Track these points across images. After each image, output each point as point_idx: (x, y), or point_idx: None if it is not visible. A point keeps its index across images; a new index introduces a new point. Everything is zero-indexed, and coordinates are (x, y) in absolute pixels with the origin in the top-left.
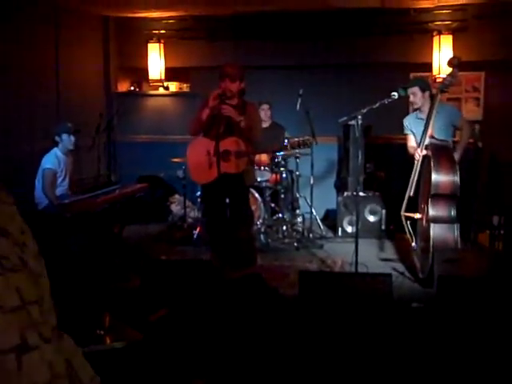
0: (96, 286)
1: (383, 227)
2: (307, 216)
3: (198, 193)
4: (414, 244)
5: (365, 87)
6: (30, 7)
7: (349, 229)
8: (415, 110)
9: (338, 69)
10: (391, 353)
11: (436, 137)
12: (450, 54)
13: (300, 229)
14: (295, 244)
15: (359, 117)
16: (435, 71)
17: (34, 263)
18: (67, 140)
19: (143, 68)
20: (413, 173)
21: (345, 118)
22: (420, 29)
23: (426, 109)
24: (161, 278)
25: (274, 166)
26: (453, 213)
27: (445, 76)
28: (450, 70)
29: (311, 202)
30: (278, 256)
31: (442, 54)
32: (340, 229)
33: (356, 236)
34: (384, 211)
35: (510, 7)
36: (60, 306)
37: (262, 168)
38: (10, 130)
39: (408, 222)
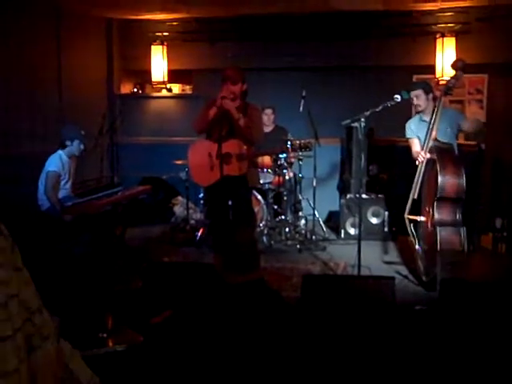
0: (98, 288)
1: (386, 229)
2: (310, 218)
3: (201, 195)
4: (417, 247)
5: (367, 89)
6: (33, 9)
7: (351, 231)
8: (418, 112)
9: (341, 71)
10: (394, 356)
11: (440, 139)
12: (453, 57)
13: (303, 231)
14: (298, 246)
15: (362, 119)
16: (438, 73)
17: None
18: (77, 147)
19: (146, 70)
20: (416, 175)
21: (348, 121)
22: (423, 31)
23: (429, 111)
24: (163, 281)
25: (276, 168)
26: (458, 216)
27: (449, 78)
28: (453, 72)
29: (314, 203)
30: (280, 258)
31: (445, 56)
32: (343, 231)
33: (359, 238)
34: (387, 213)
35: None
36: (63, 308)
37: (265, 170)
38: (11, 132)
39: (411, 225)
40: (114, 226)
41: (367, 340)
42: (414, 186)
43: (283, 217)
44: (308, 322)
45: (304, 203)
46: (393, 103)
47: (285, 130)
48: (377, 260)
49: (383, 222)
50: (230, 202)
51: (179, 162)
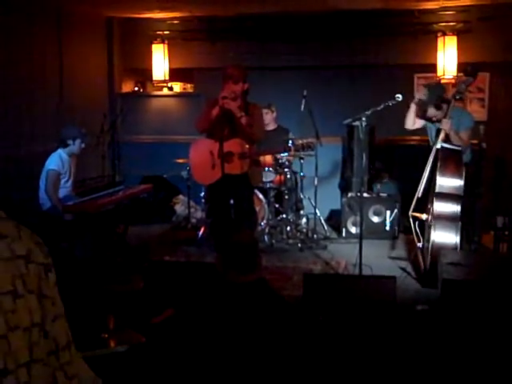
0: (100, 288)
1: (387, 228)
2: (311, 217)
3: (202, 193)
4: (419, 244)
5: (369, 88)
6: (33, 8)
7: (353, 229)
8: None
9: (341, 69)
10: (395, 355)
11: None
12: (455, 55)
13: (304, 229)
14: (299, 245)
15: (363, 118)
16: (439, 72)
17: None
18: (78, 145)
19: (147, 68)
20: (423, 174)
21: (349, 120)
22: (424, 30)
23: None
24: (164, 280)
25: (278, 166)
26: (455, 212)
27: (459, 83)
28: (455, 72)
29: (315, 202)
30: (281, 257)
31: (446, 55)
32: (344, 229)
33: (360, 237)
34: (388, 212)
35: None
36: (64, 308)
37: (267, 169)
38: (12, 131)
39: (416, 223)
40: (115, 224)
41: (368, 339)
42: (420, 184)
43: (284, 215)
44: (309, 321)
45: (305, 202)
46: (394, 102)
47: (287, 130)
48: (378, 259)
49: (384, 220)
50: (231, 201)
51: (180, 161)
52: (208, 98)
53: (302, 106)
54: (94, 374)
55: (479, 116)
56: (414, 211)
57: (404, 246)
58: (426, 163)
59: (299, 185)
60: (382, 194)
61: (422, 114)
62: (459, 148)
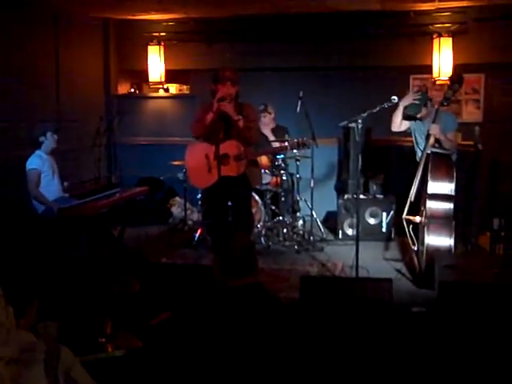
0: (96, 291)
1: (384, 230)
2: (308, 218)
3: (199, 195)
4: (414, 247)
5: (365, 89)
6: (30, 9)
7: (349, 231)
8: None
9: (338, 71)
10: (391, 357)
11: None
12: (450, 57)
13: (300, 231)
14: (296, 247)
15: (359, 120)
16: (435, 74)
17: None
18: (51, 138)
19: (143, 70)
20: (415, 178)
21: (345, 122)
22: (420, 31)
23: (430, 117)
24: (161, 283)
25: (274, 168)
26: (448, 212)
27: (446, 89)
28: (450, 73)
29: (312, 204)
30: (278, 259)
31: (442, 56)
32: (340, 231)
33: (357, 239)
34: (384, 214)
35: (509, 10)
36: (61, 312)
37: (263, 171)
38: (9, 133)
39: (410, 226)
40: (111, 227)
41: (365, 342)
42: (412, 188)
43: (281, 217)
44: (306, 323)
45: (302, 204)
46: (390, 104)
47: (285, 128)
48: (375, 260)
49: (381, 222)
50: (229, 203)
51: (177, 163)
52: (202, 102)
53: (298, 108)
54: (93, 380)
55: (474, 117)
56: (407, 214)
57: (400, 247)
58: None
59: (295, 187)
60: (378, 196)
61: (406, 115)
62: (448, 152)
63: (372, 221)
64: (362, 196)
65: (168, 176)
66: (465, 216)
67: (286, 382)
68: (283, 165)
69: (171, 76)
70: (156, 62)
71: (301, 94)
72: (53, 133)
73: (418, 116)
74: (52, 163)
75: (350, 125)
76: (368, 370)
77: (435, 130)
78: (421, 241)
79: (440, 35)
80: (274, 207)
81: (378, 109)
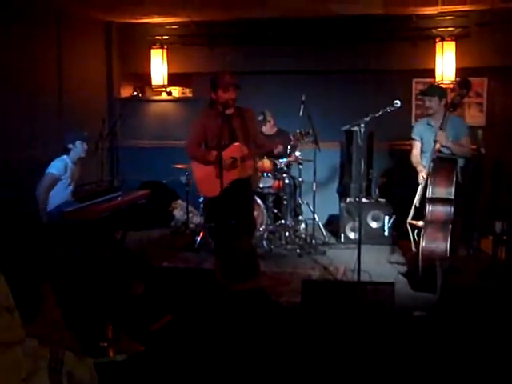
0: (98, 294)
1: (386, 233)
2: (310, 222)
3: (201, 198)
4: (416, 251)
5: (367, 93)
6: (33, 13)
7: (351, 235)
8: (429, 115)
9: (340, 75)
10: (392, 361)
11: (443, 150)
12: (453, 60)
13: (303, 235)
14: (298, 250)
15: (362, 125)
16: (438, 77)
17: None
18: (80, 147)
19: (146, 73)
20: (420, 183)
21: (347, 126)
22: (423, 35)
23: (439, 116)
24: (163, 287)
25: (276, 172)
26: (447, 215)
27: (454, 95)
28: (454, 77)
29: (314, 207)
30: (280, 262)
31: (444, 60)
32: (343, 235)
33: (359, 242)
34: (387, 217)
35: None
36: (64, 316)
37: (265, 174)
38: (11, 136)
39: (415, 231)
40: (113, 231)
41: (366, 346)
42: (417, 193)
43: (283, 221)
44: (308, 327)
45: (304, 207)
46: (392, 109)
47: (286, 132)
48: (377, 264)
49: (383, 226)
50: (233, 207)
51: (179, 166)
52: (204, 104)
53: (301, 112)
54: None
55: (477, 121)
56: (412, 219)
57: (402, 251)
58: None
59: (298, 190)
60: (380, 200)
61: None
62: (454, 157)
63: (374, 224)
64: (364, 200)
65: (170, 179)
66: (467, 220)
67: None
68: (285, 168)
69: (174, 79)
70: (159, 66)
71: (303, 97)
72: (83, 141)
73: (430, 112)
74: (74, 172)
75: (353, 129)
76: (368, 374)
77: (441, 136)
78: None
79: (443, 39)
80: (276, 210)
81: (380, 113)
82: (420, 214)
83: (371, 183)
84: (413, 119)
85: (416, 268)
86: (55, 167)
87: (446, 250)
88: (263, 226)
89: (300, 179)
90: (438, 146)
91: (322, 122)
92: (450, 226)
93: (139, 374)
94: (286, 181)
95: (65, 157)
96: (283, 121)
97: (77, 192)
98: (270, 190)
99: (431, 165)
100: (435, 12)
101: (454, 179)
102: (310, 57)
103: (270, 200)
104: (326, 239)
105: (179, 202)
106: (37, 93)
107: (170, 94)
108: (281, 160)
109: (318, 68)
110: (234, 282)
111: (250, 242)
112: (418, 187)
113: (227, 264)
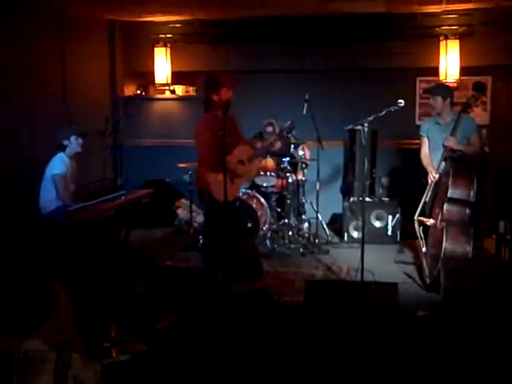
0: (101, 293)
1: (389, 233)
2: (313, 221)
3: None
4: (424, 249)
5: (371, 91)
6: (35, 12)
7: (355, 234)
8: (438, 114)
9: (344, 73)
10: (396, 361)
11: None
12: (457, 59)
13: (306, 234)
14: (301, 249)
15: (365, 124)
16: (442, 76)
17: None
18: (75, 143)
19: (149, 72)
20: (430, 182)
21: (351, 126)
22: (427, 33)
23: (445, 115)
24: (166, 286)
25: (279, 171)
26: (466, 218)
27: (469, 97)
28: (458, 76)
29: (317, 207)
30: (283, 262)
31: (448, 58)
32: (346, 234)
33: (362, 242)
34: (390, 217)
35: None
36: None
37: (268, 174)
38: (14, 135)
39: (421, 228)
40: (117, 230)
41: (369, 346)
42: (427, 189)
43: (286, 220)
44: (311, 327)
45: (307, 206)
46: (396, 108)
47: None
48: (380, 264)
49: (386, 225)
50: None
51: (183, 165)
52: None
53: (304, 110)
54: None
55: (481, 120)
56: (419, 216)
57: (406, 251)
58: None
59: (301, 189)
60: (383, 199)
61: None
62: (467, 159)
63: (378, 224)
64: (367, 199)
65: (174, 178)
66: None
67: None
68: (289, 167)
69: (177, 77)
70: (162, 64)
71: (307, 96)
72: (77, 136)
73: (435, 111)
74: (72, 167)
75: (356, 127)
76: (372, 373)
77: (450, 141)
78: (430, 244)
79: (447, 37)
80: (279, 210)
81: (384, 112)
82: (425, 211)
83: (375, 182)
84: (416, 118)
85: (426, 268)
86: (57, 167)
87: (469, 252)
88: (266, 225)
89: (303, 178)
90: (447, 153)
91: (325, 121)
92: (472, 228)
93: (142, 373)
94: (290, 180)
95: (61, 154)
96: (286, 120)
97: (80, 191)
98: (274, 189)
99: (441, 166)
100: (439, 10)
101: (475, 180)
102: (313, 55)
103: (274, 199)
104: (330, 238)
105: (183, 200)
106: (41, 92)
107: (173, 92)
108: (284, 159)
109: (322, 67)
110: (236, 283)
111: (253, 244)
112: (421, 186)
113: (229, 266)
